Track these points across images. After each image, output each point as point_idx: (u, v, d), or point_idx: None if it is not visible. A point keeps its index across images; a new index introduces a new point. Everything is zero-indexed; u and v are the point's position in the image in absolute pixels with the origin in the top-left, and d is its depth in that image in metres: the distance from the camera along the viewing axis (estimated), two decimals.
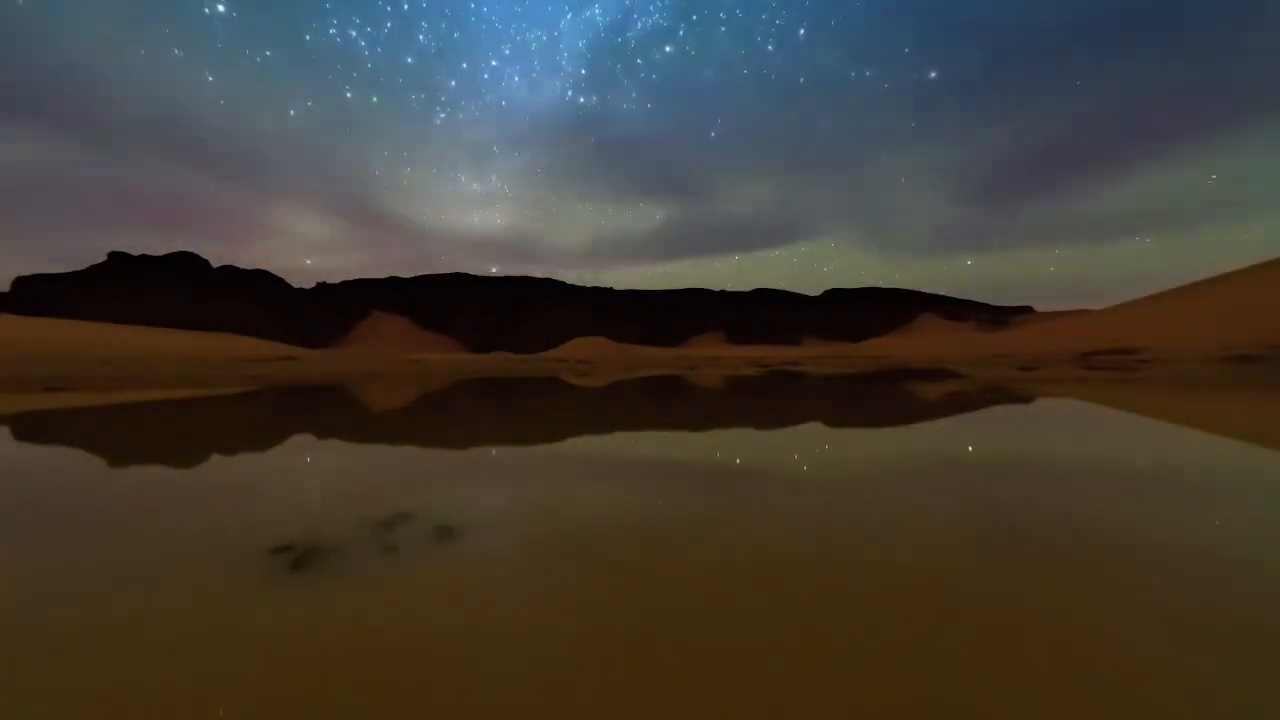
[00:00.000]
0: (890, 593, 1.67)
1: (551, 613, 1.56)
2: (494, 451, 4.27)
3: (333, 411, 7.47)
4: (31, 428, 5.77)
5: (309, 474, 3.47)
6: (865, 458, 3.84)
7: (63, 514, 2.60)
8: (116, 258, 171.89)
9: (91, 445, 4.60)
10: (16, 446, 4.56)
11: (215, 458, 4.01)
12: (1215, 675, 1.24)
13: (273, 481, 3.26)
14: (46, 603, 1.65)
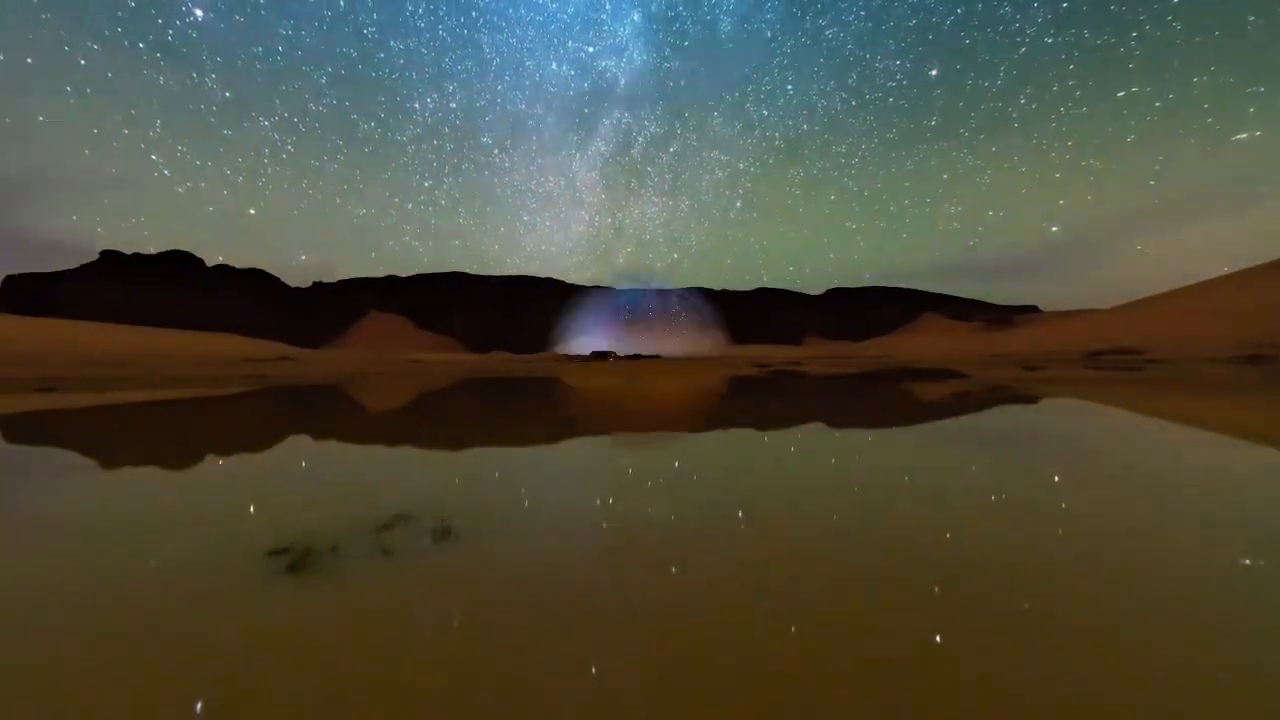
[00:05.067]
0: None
1: (550, 615, 1.51)
2: (493, 452, 4.14)
3: (330, 412, 7.18)
4: (23, 429, 5.55)
5: (306, 475, 3.39)
6: (855, 458, 3.55)
7: (56, 517, 2.48)
8: (109, 256, 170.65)
9: (84, 447, 4.42)
10: (7, 448, 4.40)
11: (211, 459, 3.91)
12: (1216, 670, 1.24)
13: (269, 483, 3.19)
14: (42, 604, 1.61)
